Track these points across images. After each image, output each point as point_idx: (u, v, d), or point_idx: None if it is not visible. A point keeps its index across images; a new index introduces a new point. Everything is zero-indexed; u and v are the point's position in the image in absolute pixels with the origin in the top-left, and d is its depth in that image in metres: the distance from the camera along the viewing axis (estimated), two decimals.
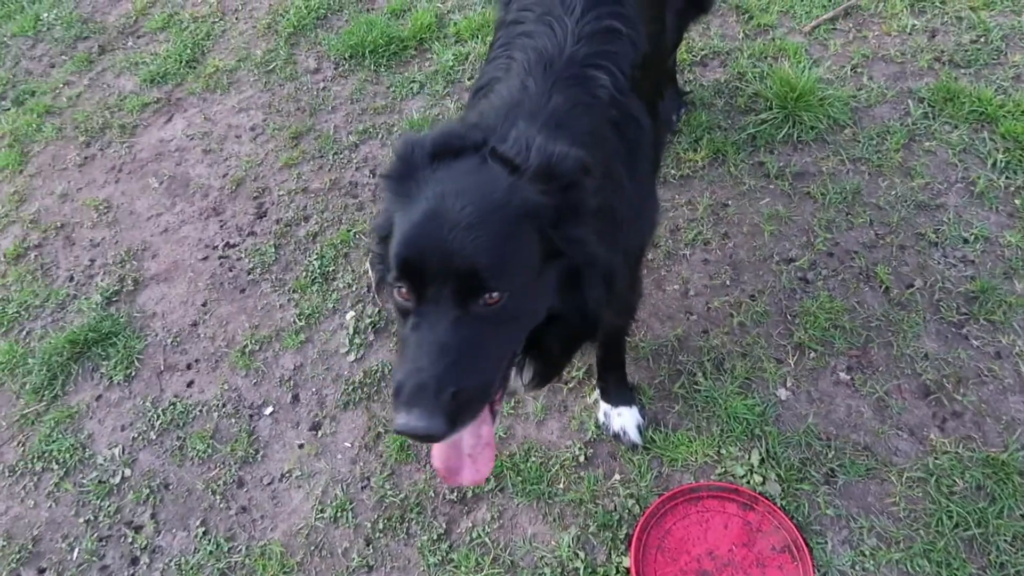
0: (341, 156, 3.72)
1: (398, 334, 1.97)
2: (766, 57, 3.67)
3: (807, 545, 2.30)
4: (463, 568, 2.43)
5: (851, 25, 3.78)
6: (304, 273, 3.29)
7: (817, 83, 3.45)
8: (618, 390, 2.60)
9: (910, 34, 3.67)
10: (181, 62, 4.40)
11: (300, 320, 3.14)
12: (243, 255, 3.42)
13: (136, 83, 4.39)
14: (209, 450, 2.85)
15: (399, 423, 1.38)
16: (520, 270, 1.49)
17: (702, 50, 3.76)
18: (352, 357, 2.99)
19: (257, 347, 3.10)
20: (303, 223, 3.49)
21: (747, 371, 2.71)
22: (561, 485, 2.55)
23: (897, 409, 2.57)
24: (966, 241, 2.94)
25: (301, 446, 2.81)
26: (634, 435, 2.57)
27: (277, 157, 3.78)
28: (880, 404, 2.59)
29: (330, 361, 3.01)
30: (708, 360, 2.76)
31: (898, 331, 2.73)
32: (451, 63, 3.98)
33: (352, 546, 2.55)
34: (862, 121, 3.38)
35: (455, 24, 4.18)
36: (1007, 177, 3.09)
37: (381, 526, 2.57)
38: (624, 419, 2.58)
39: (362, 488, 2.68)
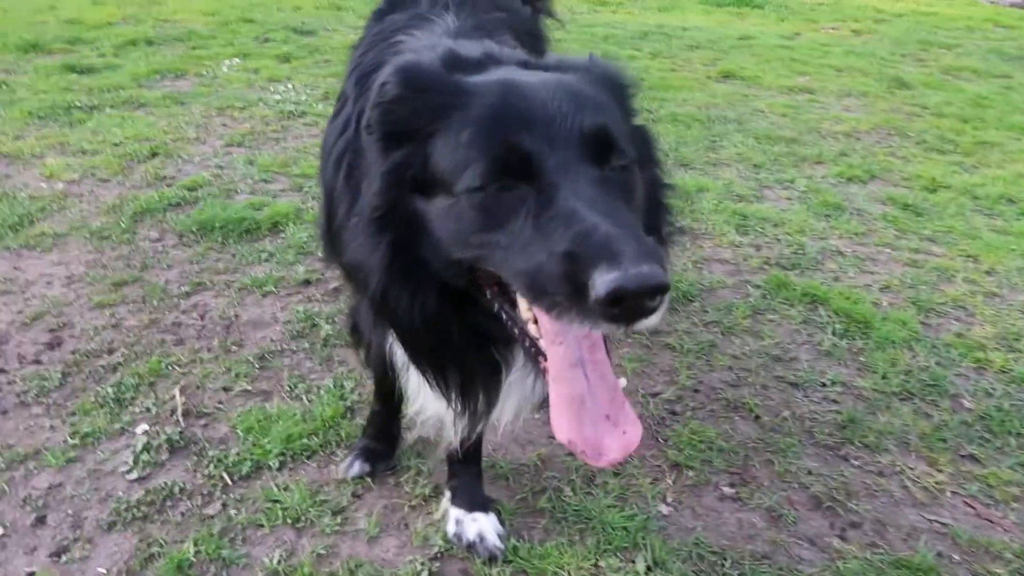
0: (167, 302, 3.32)
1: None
2: None
3: None
4: None
5: (686, 240, 4.12)
6: (93, 398, 2.68)
7: None
8: (473, 491, 2.13)
9: (739, 247, 4.03)
10: (4, 226, 3.99)
11: (73, 439, 2.46)
12: (15, 380, 2.77)
13: None
14: None
15: (636, 272, 1.01)
16: (628, 145, 1.31)
17: None
18: (134, 475, 2.32)
19: (2, 465, 2.35)
20: (105, 355, 2.94)
21: (621, 488, 2.33)
22: None
23: (792, 519, 2.24)
24: (824, 385, 2.90)
25: (31, 575, 1.99)
26: (494, 540, 2.04)
27: (90, 299, 3.31)
28: (772, 515, 2.25)
29: (101, 481, 2.31)
30: (577, 476, 2.36)
31: (776, 451, 2.51)
32: (305, 239, 3.88)
33: None
34: (708, 299, 3.51)
35: (312, 211, 4.17)
36: (847, 341, 3.20)
37: None
38: (481, 524, 2.07)
39: None
